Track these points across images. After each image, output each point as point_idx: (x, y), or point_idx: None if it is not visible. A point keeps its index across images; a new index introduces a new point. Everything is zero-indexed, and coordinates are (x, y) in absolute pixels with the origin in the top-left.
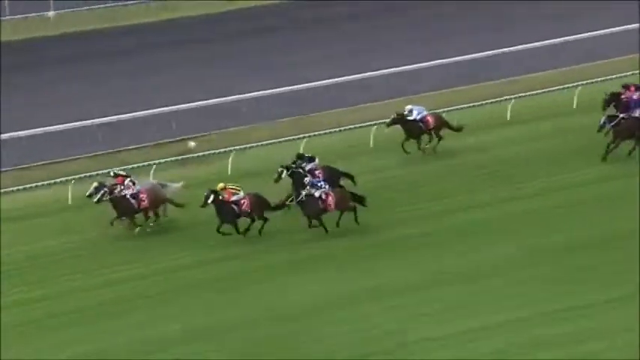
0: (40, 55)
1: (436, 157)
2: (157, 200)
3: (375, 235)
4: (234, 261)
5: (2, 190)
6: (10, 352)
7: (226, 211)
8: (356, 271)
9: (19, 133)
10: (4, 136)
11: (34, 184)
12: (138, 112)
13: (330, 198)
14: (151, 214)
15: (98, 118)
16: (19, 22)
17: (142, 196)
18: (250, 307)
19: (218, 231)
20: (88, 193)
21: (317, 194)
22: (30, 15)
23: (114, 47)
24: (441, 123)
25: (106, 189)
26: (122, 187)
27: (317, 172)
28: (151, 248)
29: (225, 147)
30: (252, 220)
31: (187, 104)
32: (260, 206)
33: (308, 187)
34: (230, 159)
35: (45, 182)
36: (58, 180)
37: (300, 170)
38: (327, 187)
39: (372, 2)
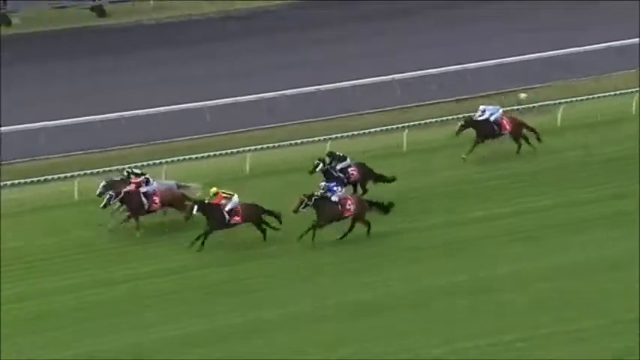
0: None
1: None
2: (173, 201)
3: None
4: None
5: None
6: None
7: (216, 217)
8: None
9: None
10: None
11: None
12: None
13: (349, 203)
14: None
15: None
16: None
17: (154, 198)
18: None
19: (200, 237)
20: (97, 193)
21: (334, 198)
22: None
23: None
24: (519, 125)
25: (111, 193)
26: (131, 187)
27: (350, 169)
28: (161, 246)
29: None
30: (259, 227)
31: None
32: (254, 215)
33: (322, 191)
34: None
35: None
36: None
37: (332, 170)
38: (342, 190)
39: None
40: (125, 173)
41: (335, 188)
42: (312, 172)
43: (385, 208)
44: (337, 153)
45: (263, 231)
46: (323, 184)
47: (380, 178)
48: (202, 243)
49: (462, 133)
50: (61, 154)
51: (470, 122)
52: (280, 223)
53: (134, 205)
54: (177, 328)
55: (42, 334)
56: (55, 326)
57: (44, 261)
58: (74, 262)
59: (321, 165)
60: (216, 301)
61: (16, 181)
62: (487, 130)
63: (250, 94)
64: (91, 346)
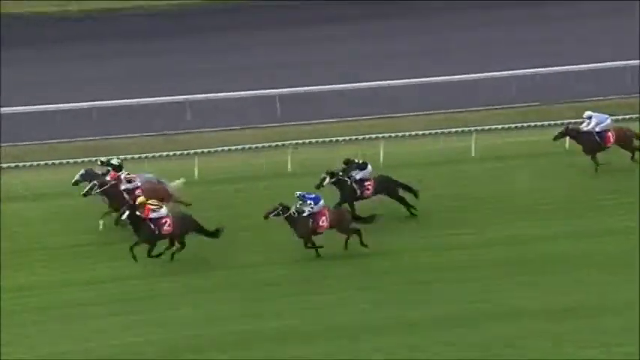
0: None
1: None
2: (157, 198)
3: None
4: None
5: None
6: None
7: (144, 230)
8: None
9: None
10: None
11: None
12: None
13: (322, 218)
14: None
15: None
16: None
17: (137, 192)
18: None
19: (130, 249)
20: (74, 181)
21: (305, 213)
22: None
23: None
24: (626, 138)
25: (95, 182)
26: (116, 181)
27: (367, 183)
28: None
29: None
30: (172, 243)
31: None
32: (186, 228)
33: (298, 204)
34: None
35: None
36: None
37: (347, 179)
38: (316, 206)
39: None
40: (100, 163)
41: (309, 202)
42: (319, 186)
43: (370, 219)
44: (356, 160)
45: (182, 245)
46: (298, 193)
47: (405, 189)
48: (133, 256)
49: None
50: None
51: (570, 132)
52: (217, 237)
53: (116, 201)
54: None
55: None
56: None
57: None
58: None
59: (328, 179)
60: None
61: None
62: (590, 145)
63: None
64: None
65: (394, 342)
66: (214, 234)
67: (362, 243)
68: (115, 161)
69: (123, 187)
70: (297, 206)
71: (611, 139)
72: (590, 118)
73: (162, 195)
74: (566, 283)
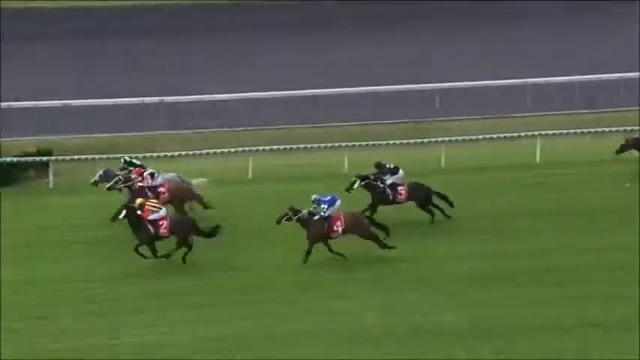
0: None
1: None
2: (180, 196)
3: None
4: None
5: None
6: None
7: (142, 231)
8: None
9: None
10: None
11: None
12: None
13: (336, 222)
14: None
15: None
16: None
17: (161, 189)
18: None
19: (135, 250)
20: (92, 181)
21: (316, 217)
22: None
23: None
24: None
25: (120, 177)
26: (140, 178)
27: (400, 188)
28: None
29: None
30: (179, 245)
31: None
32: (183, 230)
33: (312, 207)
34: None
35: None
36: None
37: (379, 183)
38: (330, 208)
39: None
40: (122, 162)
41: (323, 205)
42: (349, 190)
43: (386, 229)
44: (387, 164)
45: (188, 247)
46: (314, 197)
47: (440, 197)
48: (140, 254)
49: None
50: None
51: (635, 142)
52: (215, 236)
53: (138, 195)
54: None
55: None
56: None
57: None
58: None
59: (358, 182)
60: None
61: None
62: None
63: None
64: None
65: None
66: (212, 234)
67: (385, 245)
68: (136, 161)
69: (146, 184)
70: (312, 209)
71: None
72: None
73: (187, 194)
74: None
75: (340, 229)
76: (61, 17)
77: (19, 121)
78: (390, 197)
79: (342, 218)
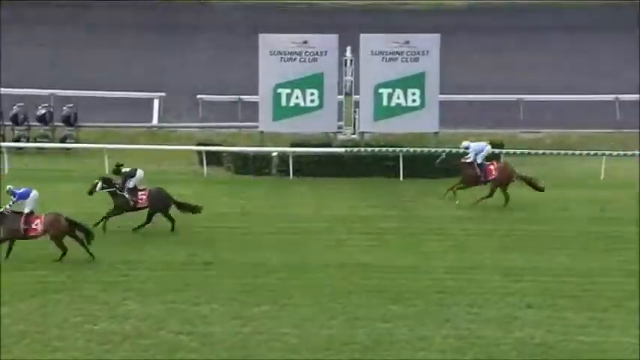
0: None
1: None
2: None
3: None
4: None
5: None
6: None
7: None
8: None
9: None
10: None
11: None
12: None
13: (35, 221)
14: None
15: None
16: None
17: (140, 194)
18: None
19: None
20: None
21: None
22: None
23: None
24: None
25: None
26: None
27: (140, 193)
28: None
29: None
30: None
31: None
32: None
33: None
34: None
35: None
36: None
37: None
38: (20, 201)
39: None
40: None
41: (14, 198)
42: (91, 192)
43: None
44: (125, 169)
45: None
46: (9, 187)
47: (181, 207)
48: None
49: None
50: None
51: None
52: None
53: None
54: None
55: None
56: None
57: None
58: None
59: (101, 184)
60: None
61: None
62: None
63: None
64: None
65: None
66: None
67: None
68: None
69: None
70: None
71: None
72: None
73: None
74: None
75: (40, 228)
76: None
77: None
78: (131, 203)
79: (42, 218)
